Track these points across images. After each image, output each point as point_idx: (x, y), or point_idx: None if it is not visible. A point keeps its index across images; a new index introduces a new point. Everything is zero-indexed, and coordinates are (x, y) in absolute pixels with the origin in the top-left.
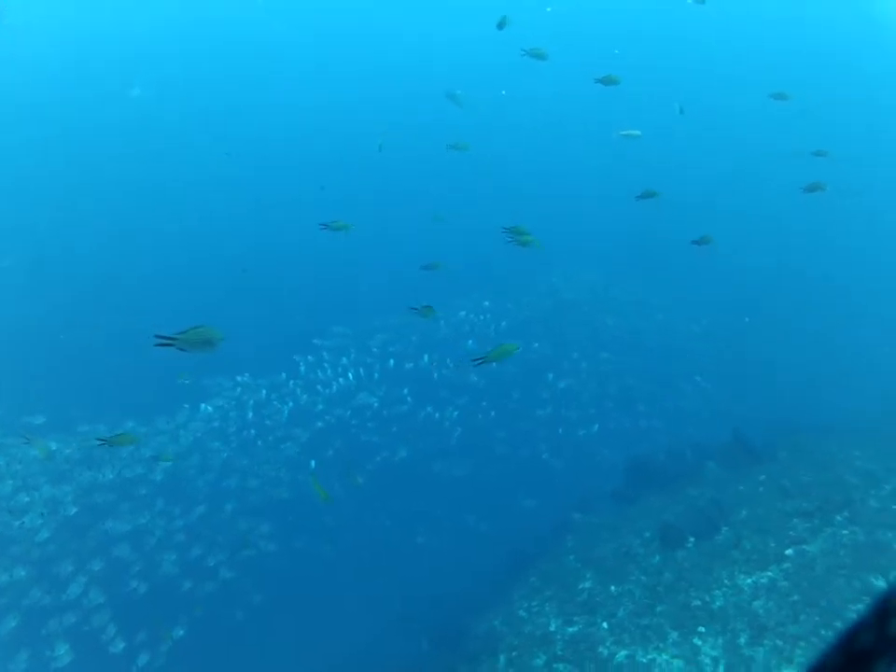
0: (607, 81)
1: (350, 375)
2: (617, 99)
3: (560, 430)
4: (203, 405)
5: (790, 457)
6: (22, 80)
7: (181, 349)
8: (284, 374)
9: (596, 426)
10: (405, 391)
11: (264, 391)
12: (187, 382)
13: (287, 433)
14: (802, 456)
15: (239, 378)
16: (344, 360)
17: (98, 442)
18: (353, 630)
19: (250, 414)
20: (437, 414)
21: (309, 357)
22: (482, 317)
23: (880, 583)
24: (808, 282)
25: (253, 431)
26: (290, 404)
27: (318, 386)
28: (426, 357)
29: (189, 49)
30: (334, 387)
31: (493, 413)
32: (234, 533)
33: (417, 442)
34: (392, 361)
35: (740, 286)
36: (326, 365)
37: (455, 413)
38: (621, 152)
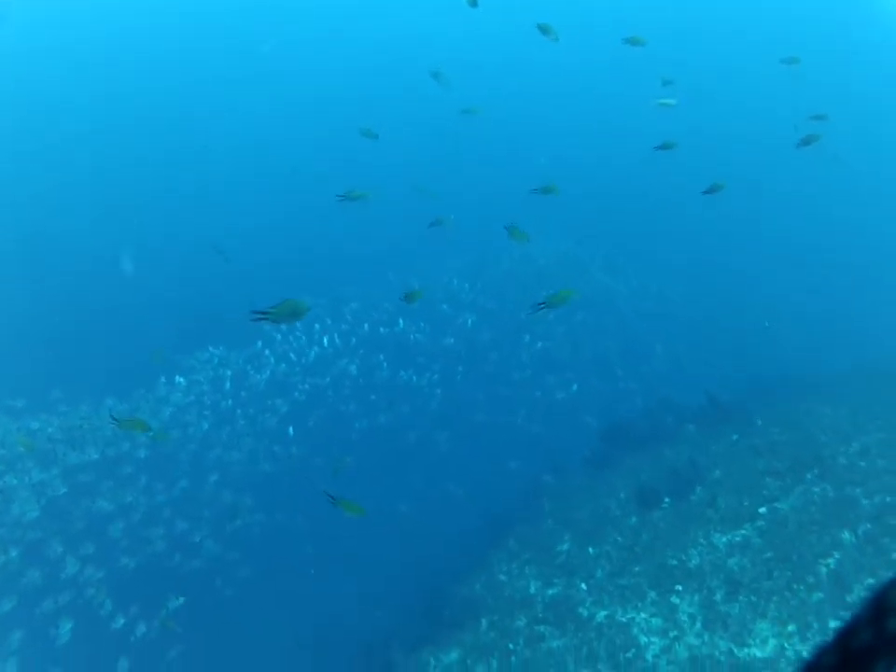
0: (633, 42)
1: (326, 343)
2: (605, 67)
3: (538, 393)
4: (180, 379)
5: (761, 417)
6: (22, 78)
7: (274, 321)
8: (260, 343)
9: (575, 386)
10: (381, 357)
11: (241, 363)
12: (159, 360)
13: (266, 404)
14: (773, 416)
15: (215, 350)
16: (318, 327)
17: (111, 421)
18: (337, 598)
19: (228, 386)
20: (415, 380)
21: (283, 327)
22: (455, 282)
23: (849, 538)
24: (780, 245)
25: (231, 402)
26: (267, 375)
27: (293, 356)
28: (401, 322)
29: (192, 36)
30: (311, 356)
31: (471, 377)
32: (220, 507)
33: (397, 409)
34: (367, 327)
35: (713, 250)
36: (300, 334)
37: (435, 376)
38: (595, 120)
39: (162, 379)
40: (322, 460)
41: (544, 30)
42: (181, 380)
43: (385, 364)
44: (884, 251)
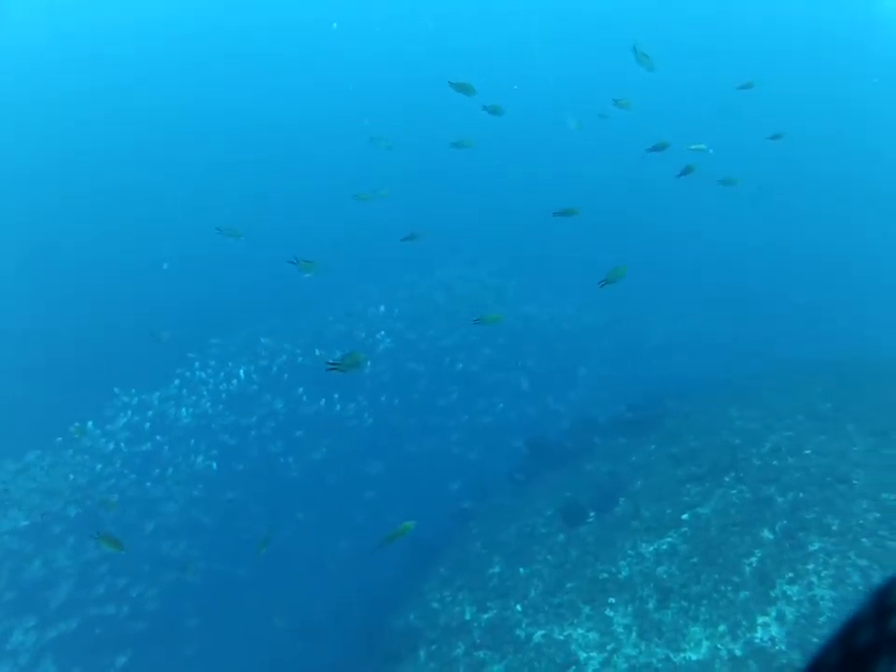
0: (621, 104)
1: (244, 378)
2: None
3: (466, 417)
4: (95, 430)
5: (677, 425)
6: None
7: (342, 371)
8: (177, 381)
9: (501, 404)
10: (300, 390)
11: (157, 405)
12: (77, 436)
13: (191, 447)
14: (688, 423)
15: (127, 397)
16: (231, 365)
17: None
18: (278, 640)
19: (149, 430)
20: (340, 410)
21: (196, 365)
22: (371, 310)
23: (768, 535)
24: (686, 258)
25: (155, 448)
26: (189, 418)
27: (214, 396)
28: (317, 352)
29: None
30: (233, 394)
31: (397, 402)
32: (158, 559)
33: (326, 444)
34: (285, 357)
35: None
36: (217, 371)
37: (362, 404)
38: (512, 149)
39: (90, 422)
40: (258, 506)
41: (463, 88)
42: (98, 430)
43: (304, 397)
44: (788, 259)
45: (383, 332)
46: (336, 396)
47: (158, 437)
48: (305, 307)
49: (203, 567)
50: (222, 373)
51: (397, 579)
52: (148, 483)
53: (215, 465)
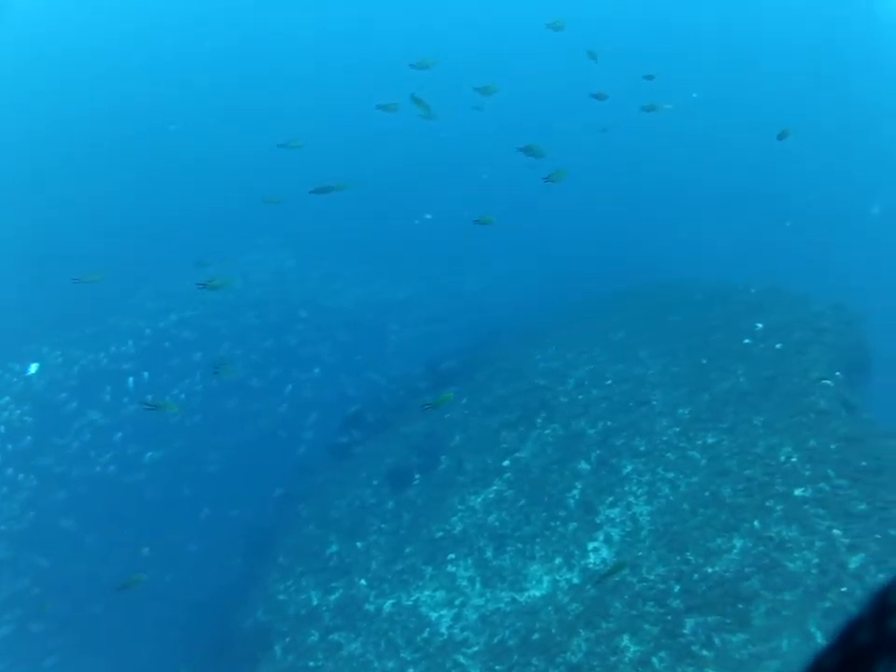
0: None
1: (45, 396)
2: None
3: (288, 389)
4: None
5: (485, 376)
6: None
7: (214, 289)
8: None
9: (317, 370)
10: (107, 389)
11: None
12: None
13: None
14: (495, 372)
15: None
16: (23, 384)
17: None
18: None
19: None
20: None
21: None
22: (165, 302)
23: (585, 466)
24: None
25: None
26: None
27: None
28: (113, 349)
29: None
30: (37, 411)
31: (215, 387)
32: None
33: (151, 445)
34: (83, 363)
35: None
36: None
37: (179, 397)
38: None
39: None
40: (93, 534)
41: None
42: None
43: (108, 397)
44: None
45: (181, 321)
46: (148, 393)
47: None
48: (100, 311)
49: (53, 610)
50: (16, 389)
51: (240, 576)
52: None
53: (29, 491)
